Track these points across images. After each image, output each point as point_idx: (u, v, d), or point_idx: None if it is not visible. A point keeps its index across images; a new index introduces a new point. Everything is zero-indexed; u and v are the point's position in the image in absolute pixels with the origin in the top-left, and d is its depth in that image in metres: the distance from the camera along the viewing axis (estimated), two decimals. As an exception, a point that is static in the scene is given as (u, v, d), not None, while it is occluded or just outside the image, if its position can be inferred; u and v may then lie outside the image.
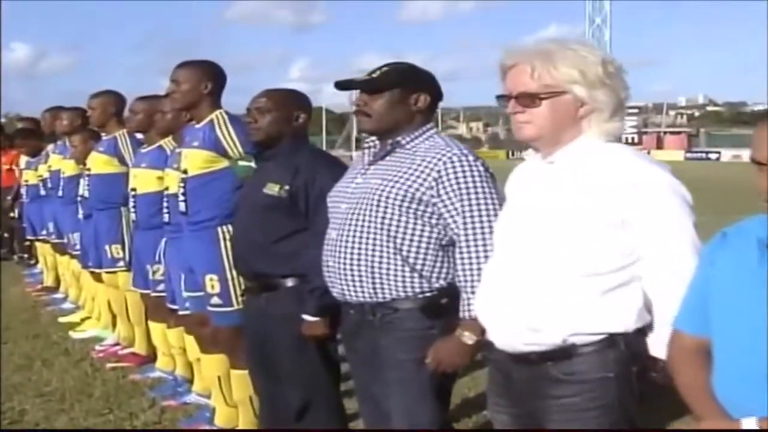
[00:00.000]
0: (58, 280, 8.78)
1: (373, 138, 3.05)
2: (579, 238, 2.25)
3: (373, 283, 2.86)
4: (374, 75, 2.95)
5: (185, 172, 4.17)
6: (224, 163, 4.08)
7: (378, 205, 2.85)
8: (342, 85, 3.01)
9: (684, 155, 56.47)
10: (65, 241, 7.32)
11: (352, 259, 2.88)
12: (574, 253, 2.25)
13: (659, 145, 53.25)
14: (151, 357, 5.98)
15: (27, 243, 10.61)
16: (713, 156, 60.28)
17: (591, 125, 2.32)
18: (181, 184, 4.20)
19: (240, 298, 4.07)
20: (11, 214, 10.62)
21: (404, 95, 2.94)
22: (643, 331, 2.33)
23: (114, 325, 6.67)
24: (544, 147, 2.37)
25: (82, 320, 7.32)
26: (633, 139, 57.52)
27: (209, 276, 4.11)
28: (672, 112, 62.41)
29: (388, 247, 2.84)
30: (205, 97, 4.16)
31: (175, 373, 5.47)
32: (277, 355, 3.54)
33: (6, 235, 11.43)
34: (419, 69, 3.03)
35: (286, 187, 3.41)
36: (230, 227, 4.07)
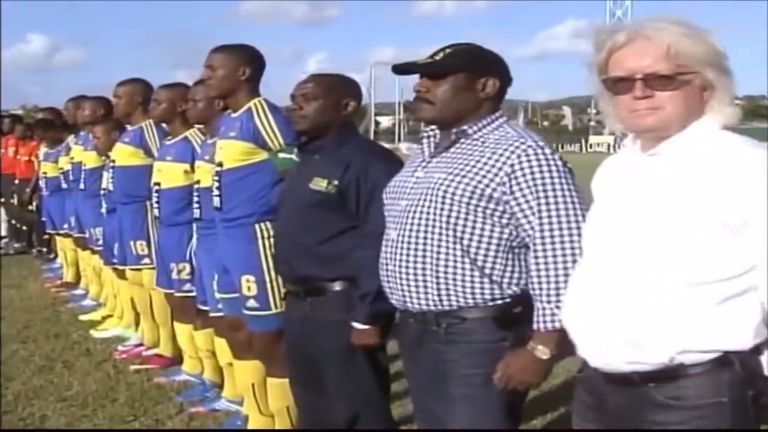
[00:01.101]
0: (78, 275, 8.51)
1: (433, 127, 2.74)
2: (690, 240, 1.93)
3: (438, 289, 2.56)
4: (437, 57, 2.64)
5: (220, 164, 3.87)
6: (263, 156, 3.77)
7: (443, 202, 2.54)
8: (401, 69, 2.69)
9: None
10: (87, 235, 7.05)
11: (414, 262, 2.58)
12: (683, 257, 1.94)
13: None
14: (177, 359, 5.70)
15: (46, 237, 10.37)
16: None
17: (713, 110, 2.00)
18: (216, 178, 3.90)
19: (279, 302, 3.77)
20: (30, 207, 10.36)
21: (471, 80, 2.62)
22: (758, 349, 2.02)
23: (137, 324, 6.41)
24: (661, 138, 2.04)
25: (104, 318, 7.04)
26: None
27: (246, 277, 3.81)
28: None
29: (454, 249, 2.53)
30: (242, 83, 3.85)
31: (203, 377, 5.18)
32: (323, 364, 3.24)
33: (24, 228, 11.17)
34: (486, 50, 2.71)
35: (335, 182, 3.11)
36: (268, 225, 3.78)
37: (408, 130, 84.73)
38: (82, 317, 7.21)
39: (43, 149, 8.92)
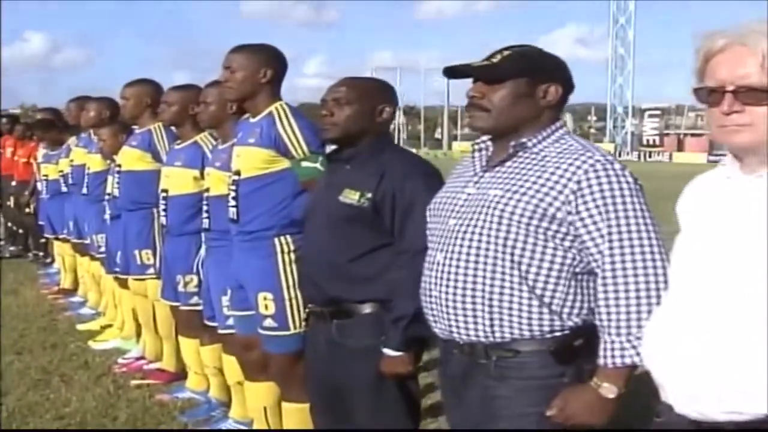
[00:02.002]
0: (76, 282, 8.23)
1: (485, 138, 2.48)
2: None
3: (491, 319, 2.29)
4: (494, 60, 2.37)
5: (238, 173, 3.60)
6: (285, 164, 3.50)
7: (499, 222, 2.27)
8: (453, 72, 2.42)
9: (707, 158, 55.47)
10: (87, 241, 6.78)
11: (464, 288, 2.31)
12: None
13: (680, 147, 52.41)
14: (180, 374, 5.42)
15: (43, 241, 10.09)
16: (736, 160, 58.15)
17: None
18: (233, 187, 3.63)
19: (299, 322, 3.51)
20: (27, 210, 10.07)
21: (531, 86, 2.36)
22: None
23: (138, 335, 6.13)
24: (755, 157, 1.78)
25: (102, 328, 6.76)
26: (654, 141, 56.66)
27: (263, 294, 3.54)
28: (692, 114, 61.45)
29: (511, 274, 2.27)
30: (263, 86, 3.59)
31: (209, 395, 4.90)
32: (350, 393, 2.97)
33: (21, 231, 10.88)
34: (548, 54, 2.45)
35: (369, 195, 2.84)
36: (289, 239, 3.52)
37: (407, 135, 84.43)
38: (80, 327, 6.93)
39: (42, 150, 8.64)
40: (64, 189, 7.65)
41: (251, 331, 3.70)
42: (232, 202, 3.62)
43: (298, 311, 3.52)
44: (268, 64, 3.60)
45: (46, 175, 8.24)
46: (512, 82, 2.34)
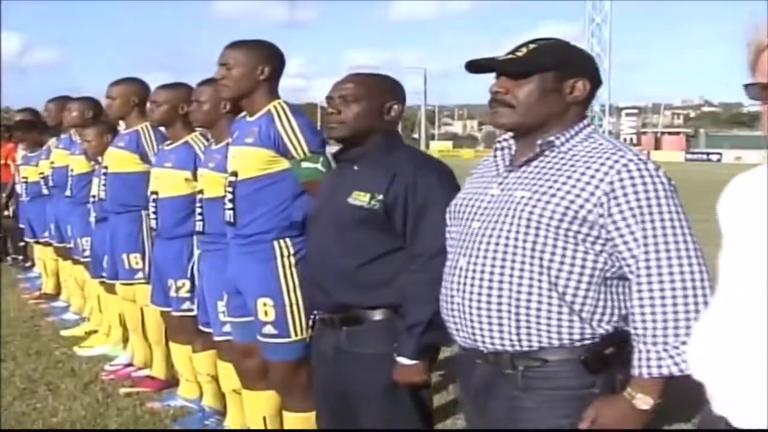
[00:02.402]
0: (58, 286, 8.04)
1: (506, 136, 2.36)
2: None
3: (518, 326, 2.17)
4: (519, 54, 2.25)
5: (235, 174, 3.46)
6: (284, 165, 3.37)
7: (527, 225, 2.15)
8: (477, 67, 2.30)
9: (684, 156, 55.72)
10: (71, 245, 6.60)
11: (489, 295, 2.19)
12: None
13: (657, 146, 52.73)
14: (171, 381, 5.27)
15: (22, 244, 9.87)
16: (714, 157, 59.13)
17: None
18: (229, 189, 3.49)
19: (300, 328, 3.39)
20: (6, 213, 9.84)
21: (559, 81, 2.24)
22: None
23: (125, 341, 5.96)
24: None
25: (87, 334, 6.58)
26: (632, 139, 56.94)
27: (262, 300, 3.40)
28: (668, 113, 61.75)
29: (540, 280, 2.15)
30: (261, 83, 3.45)
31: (202, 403, 4.75)
32: (359, 402, 2.85)
33: (0, 235, 10.65)
34: (575, 47, 2.33)
35: (380, 197, 2.71)
36: (289, 242, 3.39)
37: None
38: (64, 332, 6.73)
39: (21, 152, 8.44)
40: (44, 191, 7.46)
41: (250, 338, 3.56)
42: (229, 204, 3.48)
43: (299, 317, 3.39)
44: (266, 61, 3.46)
45: (25, 177, 8.03)
46: (539, 76, 2.22)
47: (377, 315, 2.79)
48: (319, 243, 2.86)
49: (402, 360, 2.69)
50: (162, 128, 4.84)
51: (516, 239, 2.17)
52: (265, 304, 3.40)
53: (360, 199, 2.74)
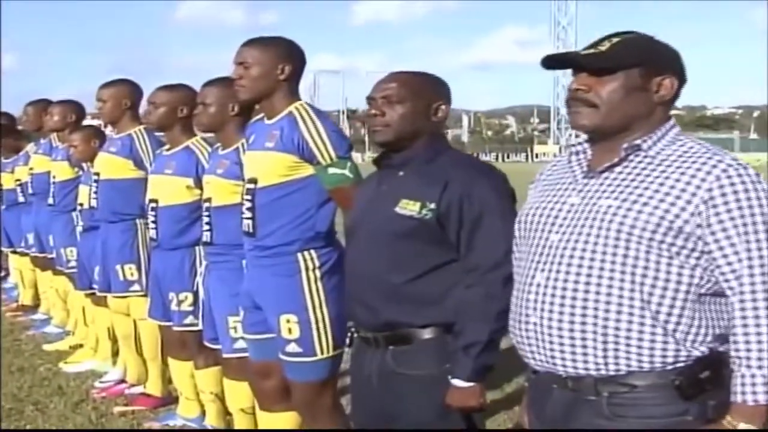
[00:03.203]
0: (37, 298, 7.70)
1: (581, 139, 2.16)
2: None
3: (605, 348, 1.97)
4: (601, 48, 2.05)
5: (254, 181, 3.22)
6: (308, 171, 3.14)
7: (617, 238, 1.95)
8: (555, 61, 2.09)
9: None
10: (52, 255, 6.29)
11: (572, 314, 1.98)
12: None
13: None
14: (167, 399, 5.00)
15: (-5, 253, 9.49)
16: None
17: None
18: (248, 197, 3.25)
19: (327, 346, 3.18)
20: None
21: (645, 78, 2.04)
22: None
23: (114, 356, 5.67)
24: None
25: (72, 348, 6.27)
26: (599, 142, 57.24)
27: (286, 317, 3.17)
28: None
29: (631, 297, 1.95)
30: (281, 84, 3.21)
31: (204, 423, 4.49)
32: (408, 427, 2.61)
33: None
34: (661, 42, 2.12)
35: (432, 206, 2.49)
36: (314, 253, 3.16)
37: (352, 139, 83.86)
38: (47, 347, 6.41)
39: (-5, 159, 8.07)
40: (21, 199, 7.15)
41: (269, 356, 3.33)
42: (248, 214, 3.24)
43: (326, 334, 3.17)
44: (286, 59, 3.23)
45: (0, 185, 7.69)
46: (624, 73, 2.02)
47: (427, 334, 2.56)
48: (362, 256, 2.63)
49: (457, 382, 2.47)
50: (158, 132, 4.57)
51: (604, 252, 1.96)
52: (288, 321, 3.17)
53: (409, 208, 2.52)
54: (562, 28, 56.08)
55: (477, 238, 2.46)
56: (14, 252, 7.76)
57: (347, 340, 2.83)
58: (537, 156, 62.61)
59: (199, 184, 4.12)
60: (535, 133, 67.57)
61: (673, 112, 2.12)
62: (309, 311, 3.14)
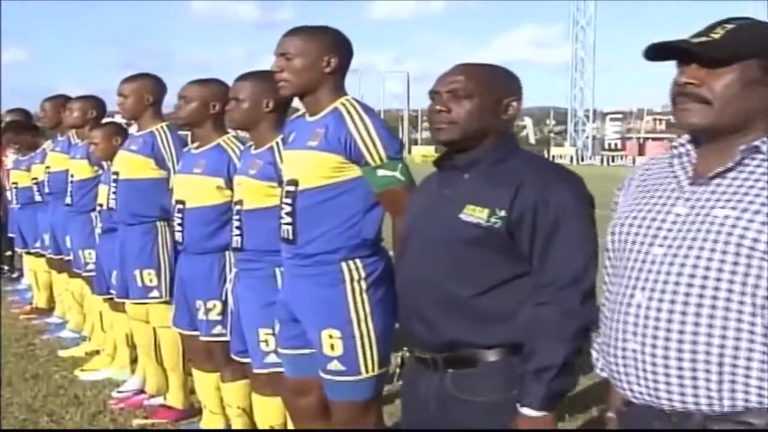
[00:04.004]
0: (51, 300, 7.46)
1: (683, 140, 1.88)
2: None
3: (719, 381, 1.70)
4: (714, 35, 1.77)
5: (294, 183, 2.96)
6: (355, 172, 2.87)
7: (737, 254, 1.68)
8: (660, 52, 1.82)
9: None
10: (69, 257, 6.05)
11: (680, 341, 1.71)
12: None
13: (641, 152, 52.50)
14: (189, 411, 4.75)
15: (9, 254, 9.27)
16: (697, 164, 58.06)
17: None
18: (288, 201, 2.98)
19: (372, 364, 2.91)
20: (-8, 220, 9.22)
21: (765, 70, 1.76)
22: None
23: (133, 364, 5.41)
24: None
25: (88, 355, 6.02)
26: (616, 145, 56.69)
27: (328, 332, 2.90)
28: (649, 118, 61.68)
29: (752, 323, 1.68)
30: (326, 77, 2.95)
31: (231, 438, 4.23)
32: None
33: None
34: None
35: (502, 213, 2.22)
36: (359, 263, 2.90)
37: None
38: (62, 353, 6.15)
39: (11, 155, 7.85)
40: (37, 198, 6.91)
41: (307, 372, 3.07)
42: (287, 219, 2.98)
43: (371, 351, 2.91)
44: (333, 51, 2.96)
45: (15, 183, 7.46)
46: (741, 65, 1.74)
47: (493, 355, 2.29)
48: (420, 267, 2.35)
49: (526, 411, 2.20)
50: (186, 129, 4.31)
51: (720, 270, 1.69)
52: (331, 337, 2.90)
53: (476, 215, 2.24)
54: (581, 28, 55.41)
55: (553, 249, 2.19)
56: (29, 253, 7.52)
57: (398, 359, 2.56)
58: (554, 158, 62.34)
59: (229, 184, 3.87)
60: (551, 134, 67.09)
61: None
62: (353, 326, 2.88)
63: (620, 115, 60.29)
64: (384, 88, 65.47)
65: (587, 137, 56.28)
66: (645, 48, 1.80)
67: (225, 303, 3.94)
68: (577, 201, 2.23)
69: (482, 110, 2.31)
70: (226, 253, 3.93)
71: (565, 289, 2.17)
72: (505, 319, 2.26)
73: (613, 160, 51.55)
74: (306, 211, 2.92)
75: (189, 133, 4.55)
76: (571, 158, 49.44)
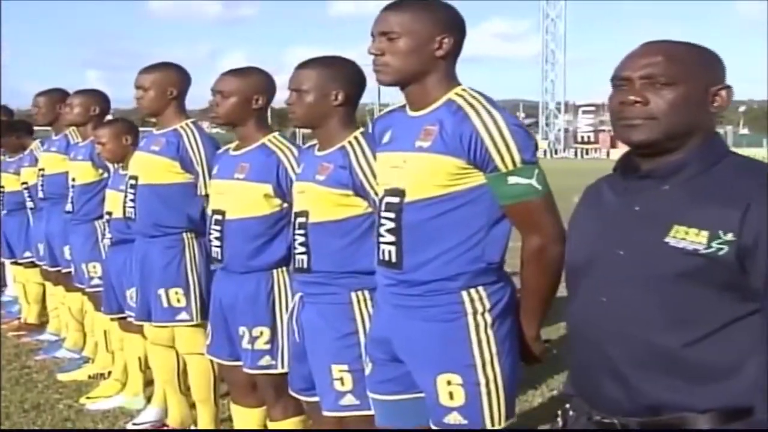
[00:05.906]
0: (42, 314, 6.81)
1: None
2: None
3: None
4: None
5: (400, 193, 2.39)
6: (478, 179, 2.31)
7: None
8: None
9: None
10: (68, 270, 5.43)
11: None
12: None
13: (613, 144, 52.46)
14: (221, 448, 4.17)
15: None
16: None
17: None
18: (390, 215, 2.41)
19: (499, 416, 2.38)
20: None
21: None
22: None
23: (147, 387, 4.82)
24: None
25: (92, 378, 5.39)
26: (589, 138, 56.57)
27: (446, 377, 2.36)
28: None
29: None
30: (438, 62, 2.39)
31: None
32: None
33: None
34: None
35: (728, 237, 1.68)
36: (483, 292, 2.35)
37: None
38: (62, 376, 5.50)
39: (-2, 158, 7.17)
40: (30, 204, 6.26)
41: (410, 423, 2.52)
42: (389, 237, 2.41)
43: (497, 400, 2.37)
44: (445, 29, 2.37)
45: (2, 187, 6.79)
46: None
47: (705, 422, 1.76)
48: (610, 309, 1.81)
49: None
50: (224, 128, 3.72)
51: None
52: (449, 383, 2.35)
53: (689, 239, 1.71)
54: (551, 20, 55.12)
55: None
56: (16, 263, 6.86)
57: (559, 420, 2.01)
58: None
59: (279, 192, 3.30)
60: (523, 127, 67.10)
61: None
62: (478, 369, 2.33)
63: (593, 108, 60.15)
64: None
65: (559, 130, 56.04)
66: None
67: (273, 330, 3.38)
68: None
69: (688, 102, 1.77)
70: (275, 271, 3.37)
71: None
72: (727, 374, 1.73)
73: (586, 153, 51.37)
74: (415, 228, 2.35)
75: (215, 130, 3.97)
76: (545, 152, 49.17)
